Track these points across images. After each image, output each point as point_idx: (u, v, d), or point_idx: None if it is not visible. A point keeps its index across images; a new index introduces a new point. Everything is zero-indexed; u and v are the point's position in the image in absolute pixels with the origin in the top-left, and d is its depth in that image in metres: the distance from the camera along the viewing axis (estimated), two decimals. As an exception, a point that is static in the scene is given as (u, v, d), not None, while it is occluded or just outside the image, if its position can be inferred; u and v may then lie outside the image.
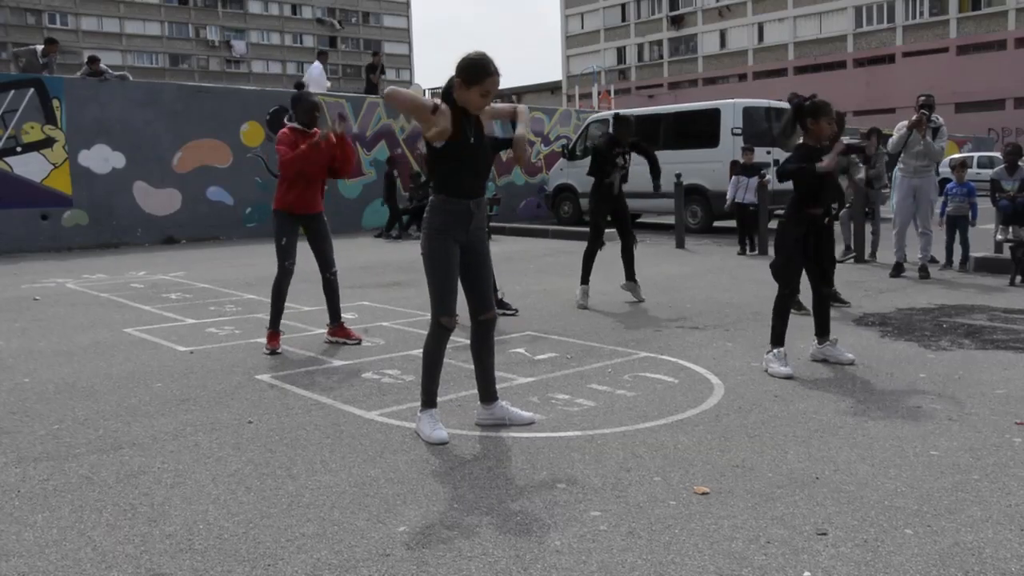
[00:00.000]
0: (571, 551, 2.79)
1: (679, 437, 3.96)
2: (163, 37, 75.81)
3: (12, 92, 14.00)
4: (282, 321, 6.06)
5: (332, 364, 5.60)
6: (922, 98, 9.32)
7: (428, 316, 6.81)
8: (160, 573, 2.67)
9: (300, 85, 16.75)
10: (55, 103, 14.40)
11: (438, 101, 3.79)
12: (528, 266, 11.01)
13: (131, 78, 16.26)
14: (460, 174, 3.92)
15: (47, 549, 2.85)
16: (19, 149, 14.09)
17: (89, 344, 6.34)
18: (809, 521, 3.00)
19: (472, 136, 3.92)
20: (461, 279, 4.11)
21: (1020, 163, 9.74)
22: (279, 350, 5.88)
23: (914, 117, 9.21)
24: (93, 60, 15.58)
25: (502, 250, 12.48)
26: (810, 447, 3.81)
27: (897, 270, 9.40)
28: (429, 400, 4.03)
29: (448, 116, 3.77)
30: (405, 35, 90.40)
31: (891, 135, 9.65)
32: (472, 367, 4.29)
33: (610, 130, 8.75)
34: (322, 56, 19.57)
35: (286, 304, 6.07)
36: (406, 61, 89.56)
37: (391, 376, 5.21)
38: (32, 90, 14.21)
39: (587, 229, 8.31)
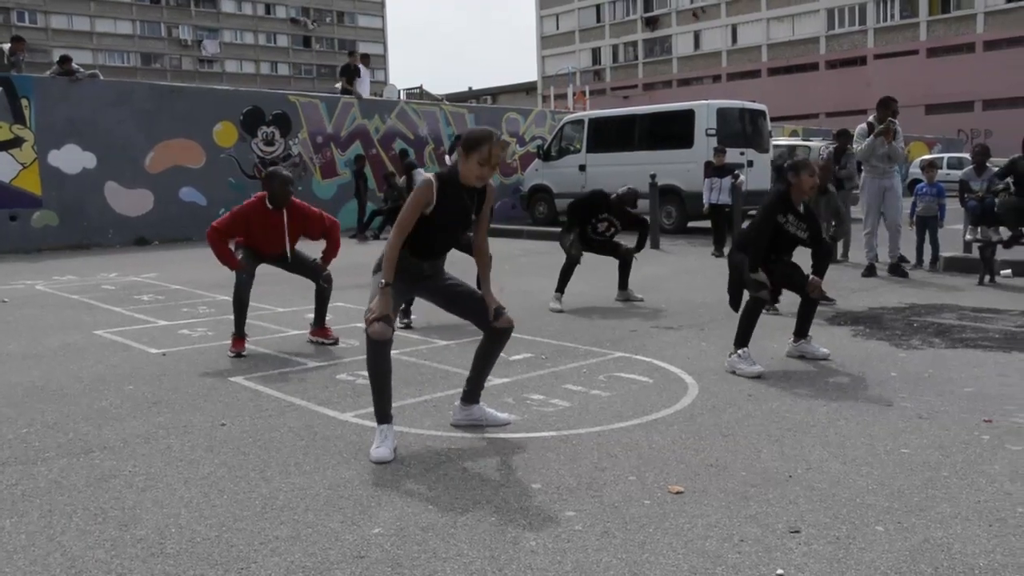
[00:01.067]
0: (546, 551, 2.79)
1: (653, 437, 3.98)
2: (135, 36, 74.99)
3: (-21, 91, 13.81)
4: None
5: (306, 366, 5.56)
6: (894, 105, 9.42)
7: (404, 318, 6.78)
8: (131, 578, 2.64)
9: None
10: (23, 102, 14.18)
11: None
12: (503, 266, 11.01)
13: (101, 76, 16.08)
14: (430, 238, 3.83)
15: (15, 555, 2.81)
16: (-13, 149, 13.89)
17: (59, 347, 6.26)
18: (782, 519, 3.03)
19: (465, 206, 3.83)
20: (455, 312, 4.13)
21: (988, 164, 9.88)
22: (244, 353, 5.84)
23: (880, 125, 9.32)
24: (65, 60, 15.38)
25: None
26: (783, 446, 3.84)
27: (869, 271, 9.51)
28: (382, 416, 3.80)
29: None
30: (380, 35, 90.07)
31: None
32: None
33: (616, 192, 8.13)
34: (364, 59, 19.71)
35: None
36: (381, 61, 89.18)
37: (365, 378, 5.18)
38: (0, 89, 14.01)
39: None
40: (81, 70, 15.38)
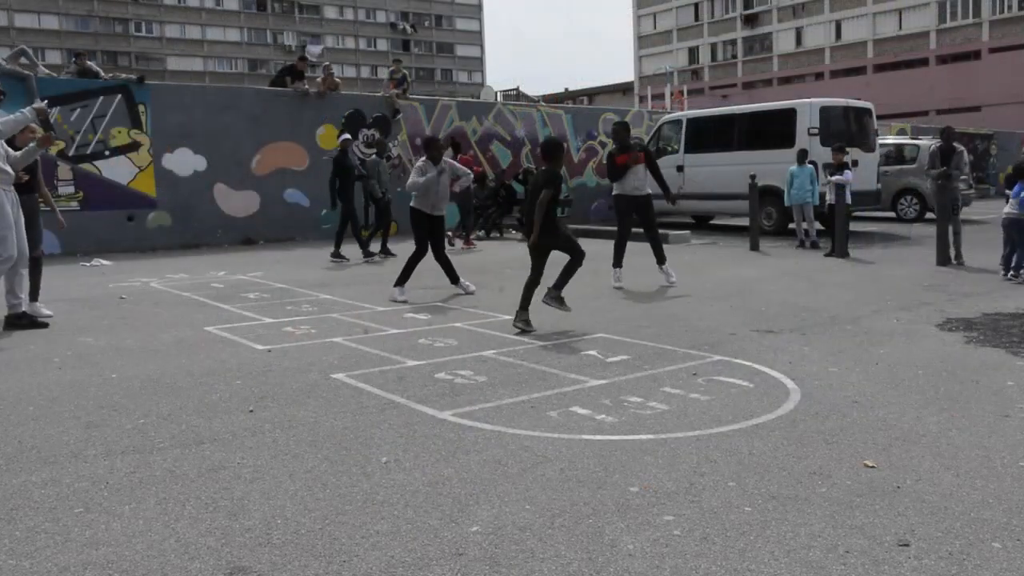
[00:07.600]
0: (644, 555, 2.77)
1: (754, 442, 3.90)
2: (242, 43, 77.72)
3: (101, 98, 14.56)
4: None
5: (406, 364, 5.66)
6: None
7: (502, 317, 6.90)
8: (240, 566, 2.74)
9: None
10: (141, 108, 14.90)
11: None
12: (600, 267, 10.95)
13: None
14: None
15: (134, 539, 2.95)
16: (107, 153, 14.63)
17: (172, 342, 6.54)
18: (890, 531, 2.92)
19: None
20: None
21: None
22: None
23: None
24: (79, 55, 16.43)
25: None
26: (891, 455, 3.70)
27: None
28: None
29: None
30: (477, 38, 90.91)
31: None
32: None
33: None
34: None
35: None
36: (478, 64, 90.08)
37: (464, 377, 5.25)
38: (120, 96, 14.73)
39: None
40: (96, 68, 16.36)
